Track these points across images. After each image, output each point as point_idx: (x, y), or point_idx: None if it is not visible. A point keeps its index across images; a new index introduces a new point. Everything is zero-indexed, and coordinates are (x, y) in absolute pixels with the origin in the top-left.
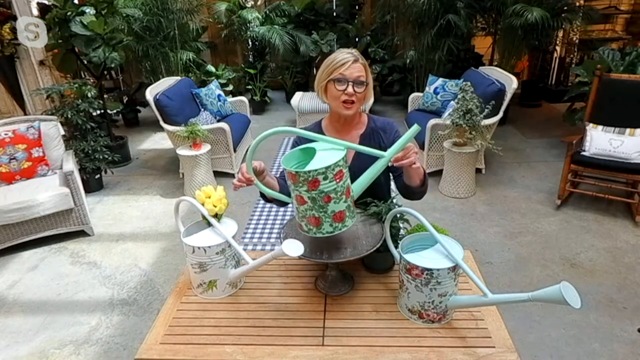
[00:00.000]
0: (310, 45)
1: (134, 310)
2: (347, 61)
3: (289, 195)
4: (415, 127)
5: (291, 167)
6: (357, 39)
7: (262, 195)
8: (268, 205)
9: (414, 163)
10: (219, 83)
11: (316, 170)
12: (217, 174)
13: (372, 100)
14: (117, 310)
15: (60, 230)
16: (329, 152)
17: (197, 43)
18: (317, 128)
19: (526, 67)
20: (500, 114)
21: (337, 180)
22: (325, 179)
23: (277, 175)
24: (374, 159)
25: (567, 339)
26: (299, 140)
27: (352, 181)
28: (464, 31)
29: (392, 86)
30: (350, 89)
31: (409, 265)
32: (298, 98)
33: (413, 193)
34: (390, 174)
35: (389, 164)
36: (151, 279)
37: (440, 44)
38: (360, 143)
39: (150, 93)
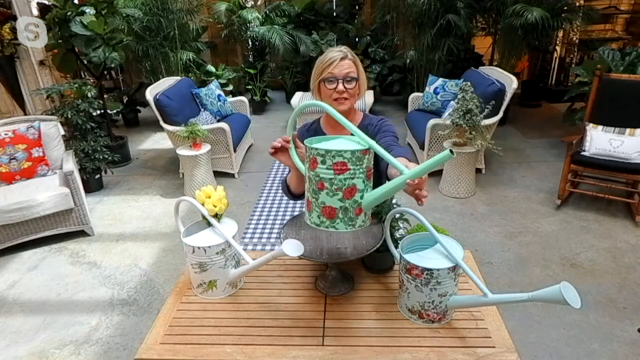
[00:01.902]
0: (310, 45)
1: (134, 310)
2: (334, 59)
3: None
4: (446, 153)
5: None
6: (357, 39)
7: (288, 192)
8: (268, 205)
9: (421, 199)
10: (219, 83)
11: (316, 149)
12: (217, 174)
13: (371, 100)
14: (117, 310)
15: (60, 230)
16: (348, 142)
17: (197, 43)
18: (316, 124)
19: (526, 67)
20: (500, 114)
21: (336, 172)
22: (322, 162)
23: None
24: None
25: (567, 339)
26: (299, 136)
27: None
28: (464, 31)
29: (392, 86)
30: (340, 87)
31: (409, 265)
32: (298, 98)
33: None
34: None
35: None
36: (151, 279)
37: (440, 44)
38: None
39: (150, 93)
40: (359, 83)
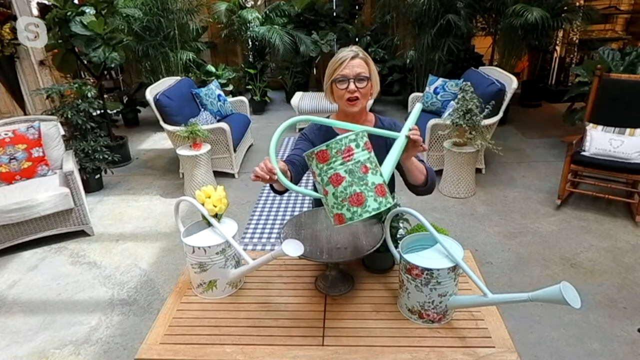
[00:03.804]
0: (310, 45)
1: (134, 310)
2: (344, 59)
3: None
4: (418, 106)
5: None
6: (357, 39)
7: (272, 187)
8: (268, 205)
9: (420, 144)
10: (219, 83)
11: (347, 136)
12: (217, 174)
13: (371, 100)
14: (117, 310)
15: (60, 230)
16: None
17: (197, 43)
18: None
19: (526, 67)
20: (500, 114)
21: (369, 150)
22: (357, 146)
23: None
24: (386, 154)
25: (567, 339)
26: (308, 132)
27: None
28: (464, 31)
29: (392, 86)
30: (352, 86)
31: (409, 265)
32: (298, 98)
33: (416, 191)
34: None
35: (406, 137)
36: (151, 279)
37: (440, 44)
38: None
39: (150, 93)
40: (372, 82)
